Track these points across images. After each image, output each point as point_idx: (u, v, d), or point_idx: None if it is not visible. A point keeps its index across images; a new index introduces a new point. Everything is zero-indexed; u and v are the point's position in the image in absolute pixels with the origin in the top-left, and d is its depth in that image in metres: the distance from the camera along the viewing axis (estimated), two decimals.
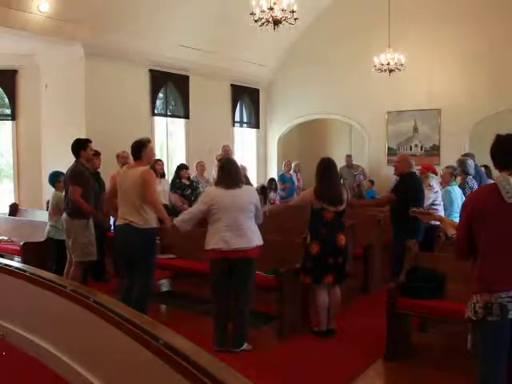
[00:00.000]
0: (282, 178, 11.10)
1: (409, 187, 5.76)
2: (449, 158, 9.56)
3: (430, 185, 6.30)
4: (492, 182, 3.06)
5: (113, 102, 9.31)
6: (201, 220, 4.69)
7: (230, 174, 4.65)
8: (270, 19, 6.69)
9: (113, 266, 6.85)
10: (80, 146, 5.82)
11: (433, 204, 6.21)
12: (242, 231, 4.51)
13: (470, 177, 6.86)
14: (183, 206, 7.53)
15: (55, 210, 6.54)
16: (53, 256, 6.61)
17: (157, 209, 4.90)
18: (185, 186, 7.86)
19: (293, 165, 11.31)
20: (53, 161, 9.09)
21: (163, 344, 2.53)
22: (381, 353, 4.50)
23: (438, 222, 4.09)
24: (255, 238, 4.60)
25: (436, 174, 6.59)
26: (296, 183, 11.13)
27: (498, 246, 2.81)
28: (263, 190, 9.85)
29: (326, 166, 5.08)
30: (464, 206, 3.02)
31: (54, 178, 6.77)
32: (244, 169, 9.76)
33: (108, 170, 6.94)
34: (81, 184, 5.65)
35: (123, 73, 9.53)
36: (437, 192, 6.33)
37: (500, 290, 2.77)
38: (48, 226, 6.65)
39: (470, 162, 6.95)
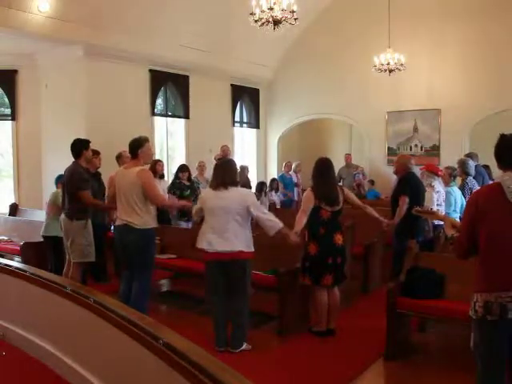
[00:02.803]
0: (282, 178, 11.07)
1: (405, 188, 5.79)
2: (449, 158, 9.55)
3: (431, 185, 6.29)
4: (494, 181, 3.04)
5: (113, 101, 9.30)
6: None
7: (218, 175, 4.63)
8: (270, 19, 6.68)
9: (114, 266, 6.87)
10: (82, 146, 5.72)
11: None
12: (227, 234, 4.45)
13: (470, 177, 6.81)
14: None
15: (52, 207, 6.55)
16: (49, 254, 6.60)
17: (167, 206, 5.03)
18: (185, 186, 7.86)
19: (293, 165, 11.29)
20: (53, 161, 9.09)
21: (163, 344, 2.53)
22: (381, 353, 4.50)
23: (441, 222, 4.09)
24: (240, 244, 4.47)
25: (438, 175, 6.54)
26: (296, 183, 11.11)
27: (500, 246, 2.80)
28: (261, 187, 9.85)
29: (323, 166, 5.10)
30: (467, 205, 3.01)
31: (58, 180, 6.79)
32: (245, 169, 9.76)
33: (108, 170, 6.93)
34: (89, 186, 5.66)
35: (123, 73, 9.52)
36: (439, 192, 6.32)
37: (500, 289, 2.76)
38: (43, 227, 6.62)
39: (471, 163, 6.90)
